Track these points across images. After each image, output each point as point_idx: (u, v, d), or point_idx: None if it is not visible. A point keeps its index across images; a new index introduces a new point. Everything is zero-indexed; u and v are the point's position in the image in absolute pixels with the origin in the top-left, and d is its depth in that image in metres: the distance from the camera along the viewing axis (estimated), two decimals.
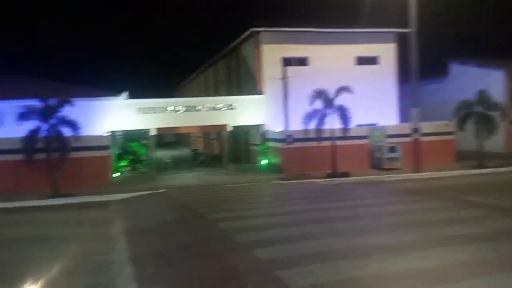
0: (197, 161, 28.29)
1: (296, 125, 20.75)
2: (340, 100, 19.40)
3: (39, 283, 5.90)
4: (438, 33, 30.93)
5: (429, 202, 10.92)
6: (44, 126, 15.89)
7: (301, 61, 24.21)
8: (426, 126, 21.36)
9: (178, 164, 28.11)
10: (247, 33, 24.00)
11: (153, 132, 22.41)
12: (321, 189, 16.03)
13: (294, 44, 23.90)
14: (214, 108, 23.12)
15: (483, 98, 21.10)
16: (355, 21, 24.39)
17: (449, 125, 23.33)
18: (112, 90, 22.70)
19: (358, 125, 21.54)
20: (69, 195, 15.70)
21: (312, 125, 19.34)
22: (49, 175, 16.00)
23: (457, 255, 5.99)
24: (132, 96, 24.02)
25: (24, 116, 15.95)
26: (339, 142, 19.77)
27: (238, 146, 27.48)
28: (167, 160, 28.11)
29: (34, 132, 15.68)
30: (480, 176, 18.13)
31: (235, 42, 26.25)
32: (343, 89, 19.26)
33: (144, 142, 25.03)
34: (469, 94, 21.94)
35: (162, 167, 25.70)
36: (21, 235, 9.54)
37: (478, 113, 20.95)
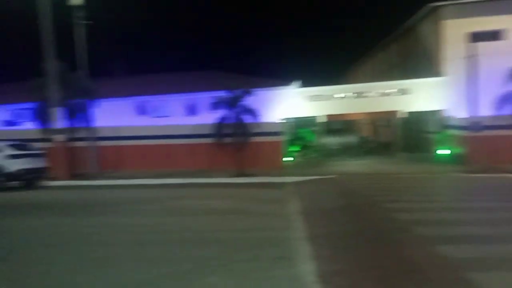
0: (365, 148, 27.63)
1: (484, 110, 17.99)
2: None
3: (232, 249, 6.85)
4: None
5: None
6: (231, 114, 18.11)
7: (494, 35, 20.71)
8: None
9: (346, 151, 28.03)
10: (424, 10, 21.88)
11: (322, 119, 22.89)
12: None
13: (483, 16, 20.59)
14: (384, 94, 22.05)
15: None
16: None
17: None
18: (285, 79, 24.13)
19: None
20: (250, 175, 17.56)
21: (507, 110, 16.45)
22: (234, 157, 18.24)
23: None
24: (304, 84, 25.00)
25: (215, 105, 18.47)
26: None
27: (411, 133, 25.55)
28: (335, 147, 28.35)
29: (223, 119, 18.06)
30: None
31: (410, 22, 24.28)
32: None
33: (314, 128, 25.80)
34: None
35: (330, 154, 26.08)
36: (215, 206, 11.15)
37: None
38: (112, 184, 16.68)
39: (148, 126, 22.10)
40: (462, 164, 18.94)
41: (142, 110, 23.99)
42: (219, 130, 18.00)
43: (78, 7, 18.73)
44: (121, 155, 21.35)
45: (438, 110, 21.62)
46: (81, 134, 18.99)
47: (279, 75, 26.40)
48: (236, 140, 18.00)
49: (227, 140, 18.28)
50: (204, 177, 17.33)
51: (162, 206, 11.42)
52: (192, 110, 23.37)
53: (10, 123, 23.97)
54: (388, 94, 21.99)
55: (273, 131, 20.50)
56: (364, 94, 22.34)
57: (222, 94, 18.81)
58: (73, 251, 6.83)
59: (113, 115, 22.37)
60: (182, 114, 23.40)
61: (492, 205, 9.53)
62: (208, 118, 19.84)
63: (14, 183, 15.47)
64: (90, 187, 16.08)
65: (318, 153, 24.53)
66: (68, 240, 7.65)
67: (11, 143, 15.95)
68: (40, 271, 5.79)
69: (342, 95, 22.49)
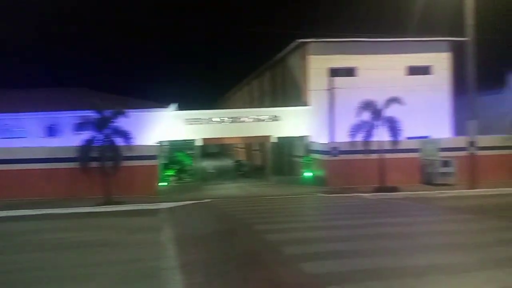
0: (240, 172, 28.47)
1: (342, 137, 20.33)
2: (389, 112, 18.80)
3: (101, 285, 6.13)
4: (495, 42, 29.31)
5: (485, 222, 10.21)
6: (99, 136, 16.70)
7: (349, 72, 23.80)
8: (483, 140, 20.12)
9: (222, 174, 28.45)
10: (294, 44, 24.03)
11: (198, 143, 22.89)
12: (368, 204, 15.50)
13: (342, 55, 23.58)
14: (258, 119, 23.24)
15: None
16: (406, 30, 23.58)
17: (509, 138, 21.81)
18: (162, 102, 23.58)
19: (408, 138, 20.72)
20: (120, 203, 16.31)
21: (359, 137, 18.84)
22: (102, 183, 16.74)
23: None
24: (181, 107, 24.76)
25: (80, 126, 16.85)
26: (387, 155, 19.11)
27: (281, 157, 27.38)
28: (211, 171, 28.54)
29: (89, 142, 16.52)
30: None
31: (281, 54, 26.36)
32: (393, 100, 18.65)
33: (190, 152, 25.56)
34: None
35: (206, 177, 26.16)
36: (78, 239, 9.97)
37: None
38: None
39: None
40: (324, 185, 20.89)
41: None
42: (84, 153, 16.37)
43: None
44: None
45: (304, 136, 23.62)
46: None
47: (154, 97, 25.75)
48: (105, 164, 16.59)
49: (94, 164, 16.73)
50: (65, 207, 15.46)
51: (17, 241, 9.77)
52: (53, 131, 20.90)
53: None
54: (261, 120, 23.21)
55: (147, 155, 19.60)
56: (239, 119, 23.16)
57: (89, 113, 17.28)
58: None
59: None
60: (41, 135, 20.77)
61: (347, 223, 10.58)
62: (72, 140, 17.92)
63: None
64: None
65: (194, 177, 24.27)
66: None
67: None
68: None
69: (218, 119, 22.93)
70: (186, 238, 9.91)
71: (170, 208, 15.42)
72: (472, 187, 18.31)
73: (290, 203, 16.05)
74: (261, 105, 33.13)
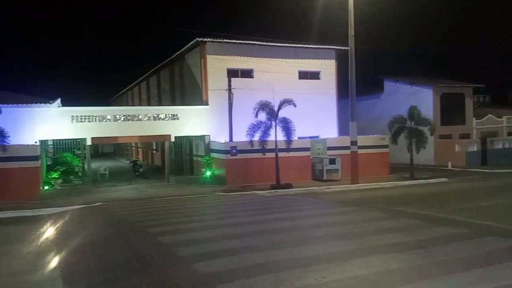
0: (137, 172, 27.21)
1: (241, 136, 20.79)
2: (283, 113, 19.79)
3: None
4: (376, 52, 33.07)
5: (365, 213, 11.36)
6: None
7: (246, 73, 24.41)
8: (363, 139, 22.47)
9: (116, 176, 26.85)
10: (192, 42, 23.78)
11: (88, 142, 21.23)
12: (264, 200, 16.13)
13: (240, 56, 24.07)
14: (156, 118, 22.47)
15: (413, 114, 22.72)
16: (301, 37, 25.05)
17: (383, 138, 24.69)
18: (44, 97, 21.25)
19: (300, 138, 22.08)
20: None
21: (257, 137, 19.48)
22: None
23: (391, 263, 6.26)
24: (66, 103, 22.62)
25: None
26: (282, 154, 20.12)
27: (181, 157, 26.92)
28: (104, 172, 26.73)
29: None
30: (411, 187, 19.38)
31: (180, 51, 25.88)
32: (286, 102, 19.68)
33: (78, 152, 23.53)
34: (402, 110, 23.57)
35: (98, 179, 24.40)
36: None
37: (409, 128, 22.48)
38: None
39: None
40: (224, 184, 21.13)
41: None
42: None
43: None
44: None
45: (203, 135, 23.56)
46: None
47: (38, 93, 23.06)
48: None
49: None
50: None
51: None
52: None
53: None
54: (159, 119, 22.48)
55: (26, 156, 17.50)
56: (135, 118, 22.09)
57: None
58: None
59: None
60: None
61: (243, 220, 10.84)
62: None
63: None
64: None
65: (83, 180, 22.41)
66: None
67: None
68: None
69: (112, 117, 21.56)
70: (70, 246, 9.10)
71: (53, 214, 14.04)
72: (354, 182, 20.30)
73: (188, 203, 15.85)
74: (159, 103, 32.12)
